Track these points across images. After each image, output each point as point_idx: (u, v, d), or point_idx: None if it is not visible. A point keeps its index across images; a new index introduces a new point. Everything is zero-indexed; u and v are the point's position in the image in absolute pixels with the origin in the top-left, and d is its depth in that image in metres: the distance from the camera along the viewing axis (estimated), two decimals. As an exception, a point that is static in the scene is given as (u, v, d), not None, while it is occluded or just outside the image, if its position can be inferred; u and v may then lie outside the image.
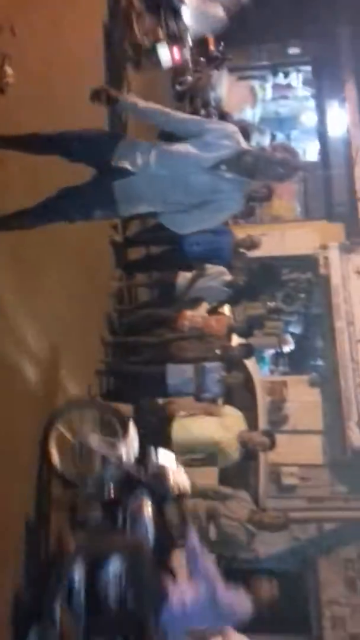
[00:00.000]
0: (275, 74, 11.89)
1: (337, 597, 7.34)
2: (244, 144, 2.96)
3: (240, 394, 5.92)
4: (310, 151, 12.98)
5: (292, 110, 13.25)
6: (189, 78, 8.88)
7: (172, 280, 5.73)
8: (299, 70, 11.91)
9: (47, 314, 3.94)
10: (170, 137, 7.04)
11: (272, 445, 4.75)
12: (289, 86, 12.51)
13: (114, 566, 3.02)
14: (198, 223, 3.11)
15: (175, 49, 6.11)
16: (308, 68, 11.66)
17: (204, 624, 3.35)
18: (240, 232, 8.20)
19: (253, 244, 5.81)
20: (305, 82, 11.79)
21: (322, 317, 9.56)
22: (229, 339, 5.41)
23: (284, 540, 7.46)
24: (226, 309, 6.14)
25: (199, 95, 9.43)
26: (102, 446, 3.58)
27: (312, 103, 12.09)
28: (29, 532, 3.43)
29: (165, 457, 3.74)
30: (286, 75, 11.93)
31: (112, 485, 3.47)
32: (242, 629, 3.79)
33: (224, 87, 10.00)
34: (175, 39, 6.03)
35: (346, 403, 8.01)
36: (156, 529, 3.35)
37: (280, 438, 5.74)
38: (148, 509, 3.39)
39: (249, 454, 4.98)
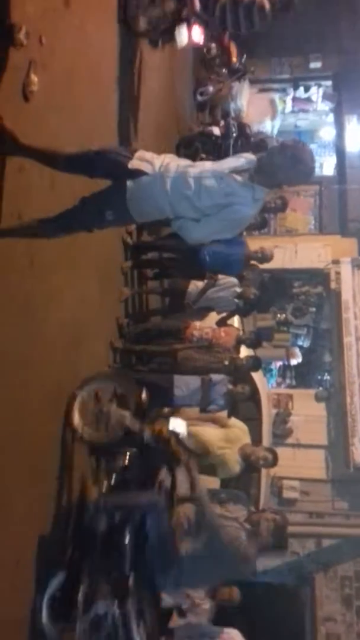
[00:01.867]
0: (296, 87, 11.90)
1: (333, 614, 7.29)
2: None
3: (245, 405, 5.93)
4: (327, 165, 13.00)
5: (311, 124, 13.27)
6: (210, 89, 8.97)
7: (183, 288, 5.77)
8: (319, 85, 11.89)
9: (59, 317, 3.99)
10: (189, 146, 7.13)
11: (274, 462, 4.74)
12: (308, 100, 12.53)
13: (134, 520, 3.32)
14: (210, 233, 3.14)
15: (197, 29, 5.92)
16: (328, 83, 11.67)
17: None
18: (254, 244, 8.28)
19: (265, 257, 5.81)
20: (325, 97, 11.80)
21: (331, 331, 9.53)
22: (238, 350, 5.42)
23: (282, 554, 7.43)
24: (235, 320, 6.16)
25: (219, 106, 9.50)
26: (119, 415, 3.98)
27: (331, 118, 12.10)
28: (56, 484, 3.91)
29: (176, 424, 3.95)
30: (307, 89, 11.93)
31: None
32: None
33: (245, 98, 10.06)
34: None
35: (351, 419, 7.97)
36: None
37: (283, 451, 5.76)
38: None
39: (251, 467, 4.98)
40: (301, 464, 8.12)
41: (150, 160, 3.05)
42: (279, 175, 3.00)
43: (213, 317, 5.80)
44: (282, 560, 7.37)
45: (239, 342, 5.40)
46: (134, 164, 3.02)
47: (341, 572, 7.46)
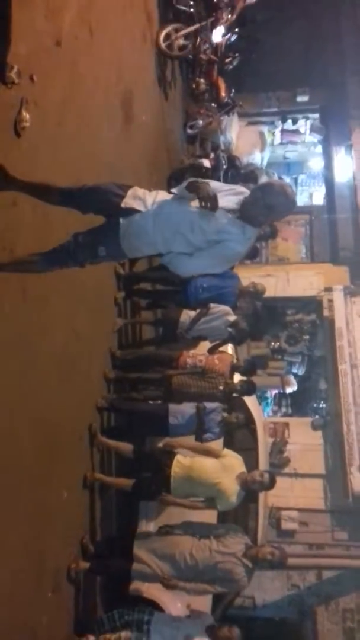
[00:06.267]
0: (284, 120, 12.16)
1: (336, 648, 7.13)
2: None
3: (241, 435, 5.87)
4: (316, 195, 13.21)
5: (300, 155, 13.53)
6: (200, 122, 9.16)
7: (176, 318, 5.78)
8: (307, 117, 12.18)
9: (52, 349, 3.98)
10: (179, 178, 7.30)
11: (272, 484, 4.69)
12: (297, 132, 12.80)
13: None
14: (201, 266, 3.16)
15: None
16: (316, 115, 11.94)
17: None
18: (246, 272, 8.34)
19: (257, 292, 5.83)
20: (313, 129, 12.05)
21: (326, 359, 9.54)
22: (232, 377, 5.40)
23: (282, 587, 7.29)
24: (229, 348, 6.14)
25: (209, 139, 9.69)
26: None
27: (319, 149, 12.34)
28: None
29: None
30: (295, 121, 12.20)
31: None
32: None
33: (234, 131, 10.28)
34: None
35: (348, 447, 7.90)
36: None
37: (280, 481, 5.67)
38: None
39: (249, 495, 4.92)
40: (299, 494, 8.02)
41: (142, 198, 3.07)
42: (260, 219, 3.05)
43: (206, 345, 5.79)
44: (281, 593, 7.23)
45: (233, 369, 5.38)
46: (126, 202, 3.04)
47: (343, 604, 7.30)
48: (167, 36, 7.19)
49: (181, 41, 7.45)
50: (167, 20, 7.44)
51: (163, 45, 7.06)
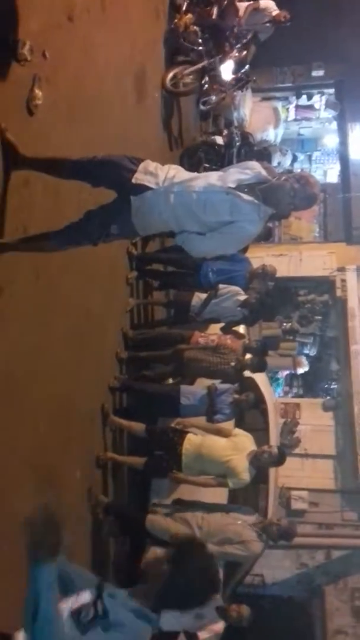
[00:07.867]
0: (298, 95, 11.91)
1: (344, 626, 7.20)
2: (264, 174, 3.01)
3: (252, 415, 5.89)
4: (331, 173, 12.99)
5: (315, 131, 13.27)
6: (213, 98, 8.97)
7: (188, 300, 5.75)
8: (322, 93, 11.91)
9: (65, 328, 3.98)
10: (192, 155, 7.19)
11: (282, 458, 4.72)
12: (311, 108, 12.54)
13: None
14: (214, 247, 3.13)
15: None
16: (331, 91, 11.67)
17: None
18: (259, 252, 8.27)
19: (266, 274, 5.79)
20: (328, 105, 11.79)
21: (338, 339, 9.49)
22: (244, 356, 5.39)
23: (291, 566, 7.36)
24: (241, 329, 6.12)
25: (223, 115, 9.52)
26: None
27: (334, 125, 12.09)
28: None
29: None
30: (309, 97, 11.94)
31: None
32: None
33: (247, 107, 10.07)
34: None
35: (359, 429, 7.92)
36: None
37: (291, 461, 5.70)
38: None
39: (259, 474, 4.95)
40: (309, 474, 8.05)
41: (154, 172, 3.02)
42: (284, 208, 3.08)
43: (218, 327, 5.78)
44: (291, 572, 7.30)
45: (246, 349, 5.36)
46: (137, 177, 3.00)
47: (351, 583, 7.38)
48: (174, 76, 6.95)
49: (188, 79, 7.18)
50: (175, 62, 7.17)
51: (169, 84, 6.82)
